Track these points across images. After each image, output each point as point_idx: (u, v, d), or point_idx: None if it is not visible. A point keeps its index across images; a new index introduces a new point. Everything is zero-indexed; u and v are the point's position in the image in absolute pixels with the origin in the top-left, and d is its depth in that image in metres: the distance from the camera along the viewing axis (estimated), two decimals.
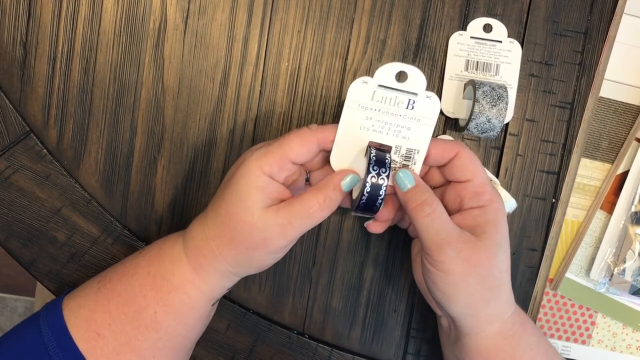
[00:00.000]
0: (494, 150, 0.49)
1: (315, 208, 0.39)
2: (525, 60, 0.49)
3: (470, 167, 0.41)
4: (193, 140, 0.48)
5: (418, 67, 0.48)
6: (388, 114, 0.41)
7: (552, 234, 0.50)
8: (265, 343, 0.49)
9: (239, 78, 0.48)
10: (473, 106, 0.44)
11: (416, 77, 0.40)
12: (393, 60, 0.48)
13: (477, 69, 0.48)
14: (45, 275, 0.48)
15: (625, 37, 0.49)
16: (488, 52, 0.48)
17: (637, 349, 0.51)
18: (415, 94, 0.40)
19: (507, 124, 0.49)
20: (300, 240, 0.49)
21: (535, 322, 0.50)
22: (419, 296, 0.49)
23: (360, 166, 0.41)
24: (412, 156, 0.41)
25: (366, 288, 0.49)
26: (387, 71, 0.40)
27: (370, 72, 0.48)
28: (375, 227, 0.44)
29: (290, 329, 0.49)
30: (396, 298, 0.49)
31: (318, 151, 0.41)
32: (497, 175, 0.49)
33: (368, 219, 0.44)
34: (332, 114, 0.49)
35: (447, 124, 0.49)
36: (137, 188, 0.48)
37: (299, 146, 0.39)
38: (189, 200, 0.49)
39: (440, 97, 0.48)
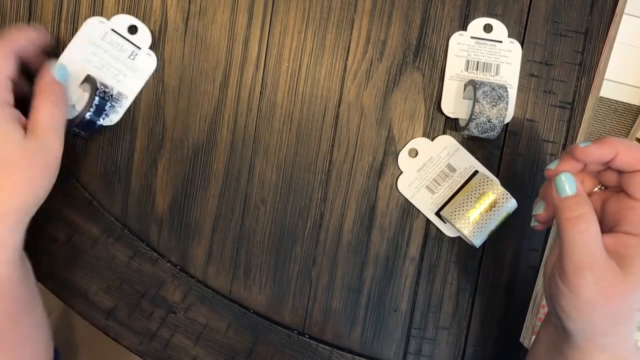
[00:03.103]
0: (494, 150, 0.49)
1: (54, 101, 0.42)
2: (525, 61, 0.49)
3: None
4: (193, 141, 0.48)
5: (418, 67, 0.48)
6: (112, 56, 0.46)
7: (552, 234, 0.49)
8: (265, 343, 0.49)
9: (239, 79, 0.48)
10: (473, 106, 0.44)
11: (143, 34, 0.46)
12: (394, 60, 0.49)
13: (477, 69, 0.48)
14: (46, 275, 0.48)
15: (625, 37, 0.49)
16: (488, 52, 0.48)
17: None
18: (139, 48, 0.46)
19: (507, 124, 0.49)
20: (301, 240, 0.49)
21: (535, 322, 0.50)
22: (419, 296, 0.49)
23: (74, 95, 0.45)
24: (120, 99, 0.46)
25: (366, 288, 0.49)
26: (122, 21, 0.46)
27: (370, 73, 0.49)
28: (539, 227, 0.42)
29: (290, 329, 0.49)
30: (396, 298, 0.49)
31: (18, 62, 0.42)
32: (497, 175, 0.49)
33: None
34: (332, 115, 0.49)
35: (448, 124, 0.49)
36: (137, 188, 0.48)
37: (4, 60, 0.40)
38: (189, 200, 0.49)
39: (440, 97, 0.49)
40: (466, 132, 0.46)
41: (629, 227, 0.37)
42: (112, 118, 0.47)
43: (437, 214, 0.48)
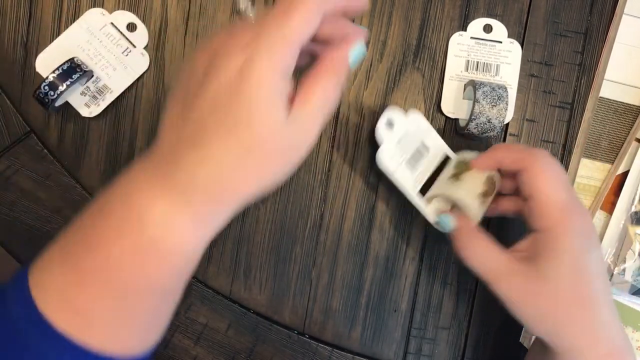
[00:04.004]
0: None
1: (337, 83, 0.32)
2: (525, 61, 0.49)
3: (534, 184, 0.39)
4: None
5: (418, 67, 0.48)
6: (106, 48, 0.47)
7: None
8: (265, 343, 0.49)
9: None
10: (473, 106, 0.44)
11: (141, 34, 0.47)
12: (393, 61, 0.49)
13: (477, 70, 0.48)
14: None
15: (625, 37, 0.49)
16: (488, 53, 0.48)
17: (637, 349, 0.50)
18: (135, 47, 0.47)
19: (507, 124, 0.49)
20: (301, 240, 0.49)
21: None
22: (419, 296, 0.49)
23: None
24: (104, 93, 0.46)
25: (366, 288, 0.49)
26: (122, 17, 0.47)
27: (370, 73, 0.49)
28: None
29: (290, 329, 0.49)
30: (396, 298, 0.49)
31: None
32: None
33: None
34: (332, 115, 0.49)
35: (447, 124, 0.49)
36: None
37: (305, 23, 0.30)
38: None
39: (440, 97, 0.49)
40: (466, 132, 0.46)
41: (533, 225, 0.39)
42: (91, 110, 0.47)
43: (422, 192, 0.46)
